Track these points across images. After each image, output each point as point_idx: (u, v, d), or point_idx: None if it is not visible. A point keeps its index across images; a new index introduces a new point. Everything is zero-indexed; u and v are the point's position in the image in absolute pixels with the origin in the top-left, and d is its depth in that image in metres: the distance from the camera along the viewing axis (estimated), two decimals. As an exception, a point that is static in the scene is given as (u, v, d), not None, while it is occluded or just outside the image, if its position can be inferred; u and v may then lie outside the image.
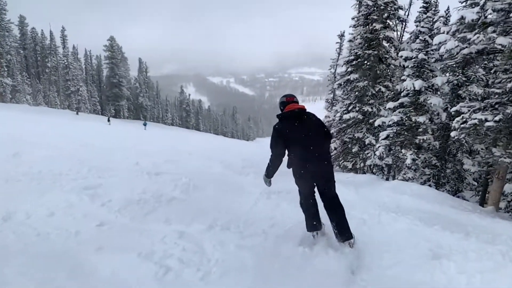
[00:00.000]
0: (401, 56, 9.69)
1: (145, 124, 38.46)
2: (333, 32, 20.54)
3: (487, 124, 6.49)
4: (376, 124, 10.45)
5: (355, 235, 3.22)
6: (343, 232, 3.12)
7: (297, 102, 3.27)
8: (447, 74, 10.36)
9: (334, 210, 3.18)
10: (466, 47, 6.93)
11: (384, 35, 11.74)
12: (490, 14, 6.54)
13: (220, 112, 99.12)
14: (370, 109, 12.01)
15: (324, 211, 3.29)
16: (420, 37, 9.48)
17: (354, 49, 12.38)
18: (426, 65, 9.55)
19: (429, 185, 10.20)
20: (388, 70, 12.46)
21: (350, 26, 12.63)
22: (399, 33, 13.29)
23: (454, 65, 9.05)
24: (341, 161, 13.08)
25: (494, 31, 6.70)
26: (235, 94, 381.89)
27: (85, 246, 2.92)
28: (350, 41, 13.35)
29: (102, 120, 37.14)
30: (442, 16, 12.22)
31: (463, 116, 7.08)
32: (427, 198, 5.76)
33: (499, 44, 6.41)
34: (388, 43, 12.29)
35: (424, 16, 9.95)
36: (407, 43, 11.82)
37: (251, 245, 3.28)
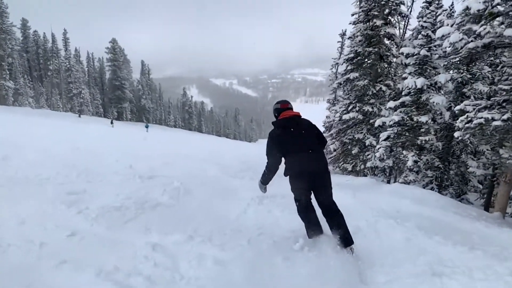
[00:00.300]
0: (402, 53, 9.26)
1: (147, 126, 38.41)
2: (336, 33, 20.26)
3: (494, 123, 6.07)
4: (376, 124, 10.07)
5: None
6: (344, 238, 3.03)
7: (292, 109, 3.32)
8: (451, 72, 9.94)
9: (333, 217, 3.13)
10: (472, 40, 6.47)
11: (385, 31, 11.37)
12: (498, 4, 6.08)
13: (222, 113, 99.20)
14: (370, 109, 11.65)
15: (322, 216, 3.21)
16: (423, 33, 9.06)
17: (354, 47, 12.01)
18: (428, 62, 9.13)
19: (432, 188, 9.83)
20: (390, 69, 12.08)
21: (349, 23, 12.24)
22: (401, 30, 12.91)
23: (458, 62, 8.64)
24: (341, 163, 12.73)
25: (502, 23, 6.25)
26: (238, 96, 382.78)
27: (45, 261, 2.62)
28: (349, 38, 12.96)
29: (105, 122, 37.16)
30: (446, 10, 11.80)
31: (468, 115, 6.67)
32: (429, 203, 5.42)
33: (508, 37, 5.99)
34: (390, 40, 11.93)
35: (427, 11, 9.54)
36: (409, 40, 11.42)
37: (231, 259, 2.97)
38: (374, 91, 11.73)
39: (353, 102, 12.10)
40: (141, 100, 60.22)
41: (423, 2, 10.29)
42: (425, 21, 9.17)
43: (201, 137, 41.48)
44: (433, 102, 8.86)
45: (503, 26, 6.23)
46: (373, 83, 11.83)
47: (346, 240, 3.02)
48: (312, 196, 3.26)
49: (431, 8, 9.49)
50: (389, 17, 11.74)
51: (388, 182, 10.74)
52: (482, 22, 6.38)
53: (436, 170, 10.33)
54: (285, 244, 3.28)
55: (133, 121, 56.34)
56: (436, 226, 4.10)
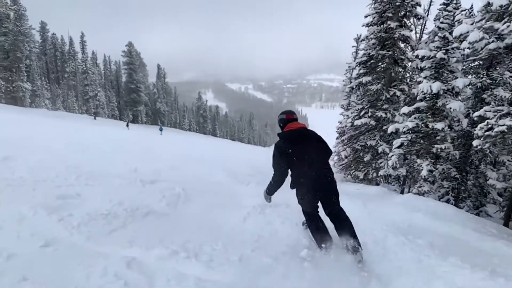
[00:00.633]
0: (417, 56, 8.78)
1: (161, 129, 38.70)
2: (353, 38, 19.92)
3: (518, 131, 5.61)
4: (389, 131, 9.57)
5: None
6: (353, 244, 3.00)
7: (297, 119, 3.34)
8: (470, 76, 9.39)
9: (341, 225, 3.15)
10: (493, 41, 5.98)
11: (400, 34, 10.88)
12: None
13: (237, 118, 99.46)
14: (384, 115, 11.17)
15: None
16: (439, 34, 8.52)
17: (367, 50, 11.59)
18: (445, 65, 8.61)
19: (448, 200, 9.26)
20: (405, 73, 11.59)
21: (363, 25, 11.80)
22: (417, 34, 12.39)
23: (477, 66, 8.10)
24: (352, 170, 12.26)
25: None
26: (253, 100, 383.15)
27: (6, 277, 2.36)
28: (362, 40, 12.51)
29: (120, 125, 37.54)
30: (464, 11, 11.22)
31: (488, 122, 6.19)
32: (445, 217, 4.95)
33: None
34: (405, 44, 11.43)
35: (445, 12, 9.05)
36: (425, 43, 10.89)
37: (216, 280, 2.66)
38: (388, 96, 11.26)
39: (366, 107, 11.65)
40: (156, 103, 61.07)
41: (440, 4, 9.82)
42: (442, 22, 8.63)
43: (214, 141, 41.41)
44: (450, 108, 8.29)
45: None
46: (387, 87, 11.35)
47: (355, 246, 2.99)
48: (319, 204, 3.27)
49: (449, 8, 9.00)
50: (404, 19, 11.23)
51: (402, 191, 10.23)
52: (505, 20, 5.88)
53: (452, 180, 9.73)
54: (282, 261, 3.03)
55: (148, 124, 57.08)
56: (451, 245, 3.70)
